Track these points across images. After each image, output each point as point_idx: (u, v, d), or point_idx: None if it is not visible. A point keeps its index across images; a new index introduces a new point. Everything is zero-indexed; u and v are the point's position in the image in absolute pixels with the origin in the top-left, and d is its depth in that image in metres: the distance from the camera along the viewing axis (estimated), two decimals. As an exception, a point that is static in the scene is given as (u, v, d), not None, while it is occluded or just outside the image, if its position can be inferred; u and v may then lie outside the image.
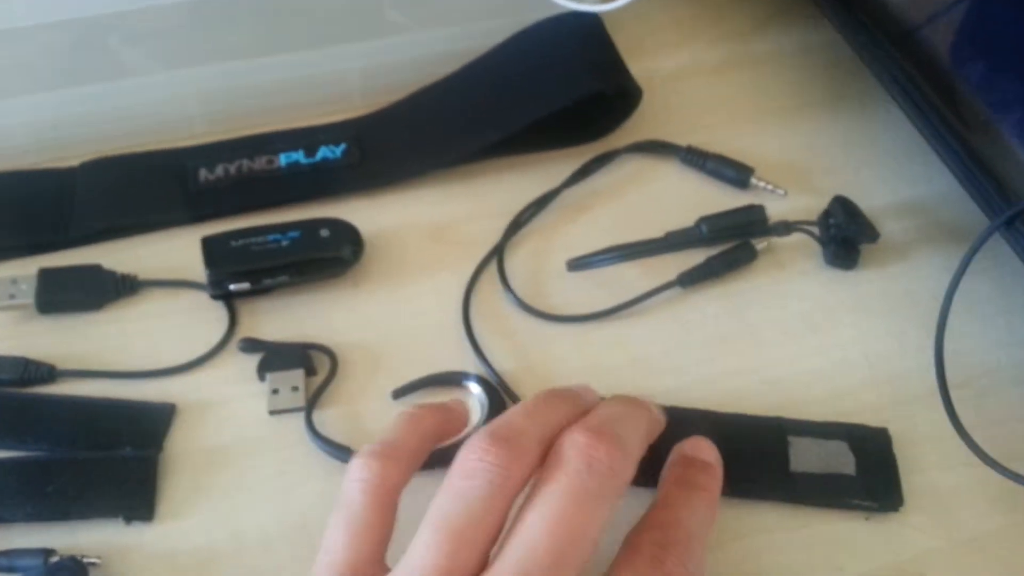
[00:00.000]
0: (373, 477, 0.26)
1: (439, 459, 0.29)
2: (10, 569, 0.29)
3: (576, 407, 0.28)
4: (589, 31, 0.41)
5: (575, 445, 0.25)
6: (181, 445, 0.33)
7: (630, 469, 0.26)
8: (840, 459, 0.32)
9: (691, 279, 0.37)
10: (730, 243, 0.38)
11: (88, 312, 0.36)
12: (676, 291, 0.37)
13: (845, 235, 0.38)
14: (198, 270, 0.37)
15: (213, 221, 0.39)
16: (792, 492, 0.32)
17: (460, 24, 0.43)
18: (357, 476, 0.26)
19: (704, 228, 0.38)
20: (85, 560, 0.29)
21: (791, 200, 0.40)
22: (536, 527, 0.23)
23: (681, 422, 0.32)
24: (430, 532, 0.24)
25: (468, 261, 0.38)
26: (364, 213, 0.39)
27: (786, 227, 0.38)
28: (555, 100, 0.39)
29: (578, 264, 0.37)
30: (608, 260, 0.37)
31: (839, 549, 0.31)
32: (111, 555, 0.30)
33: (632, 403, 0.29)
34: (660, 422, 0.30)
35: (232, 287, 0.35)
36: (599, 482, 0.24)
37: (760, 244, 0.38)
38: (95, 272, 0.37)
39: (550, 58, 0.41)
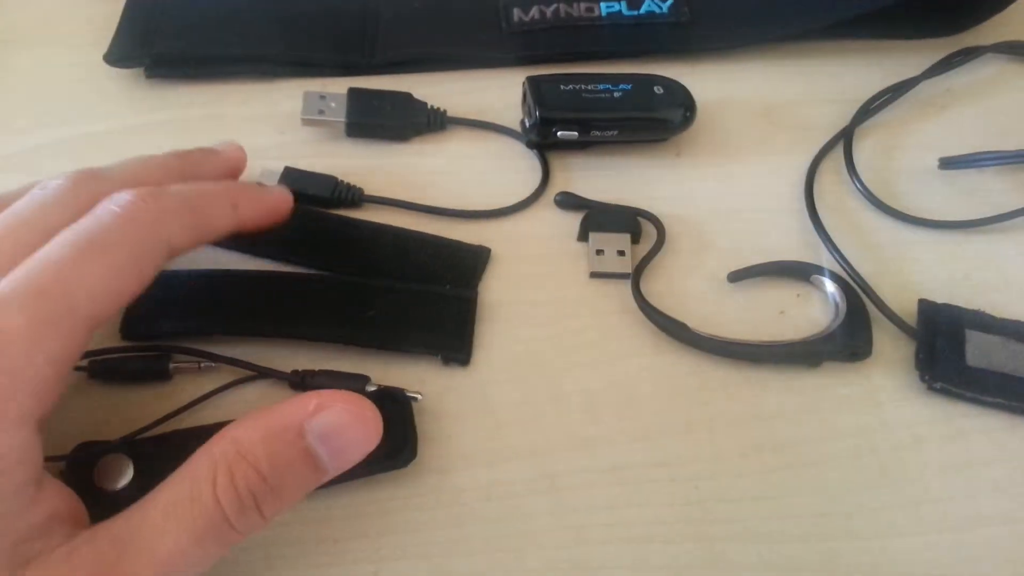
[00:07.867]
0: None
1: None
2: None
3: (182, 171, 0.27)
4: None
5: (113, 196, 0.23)
6: (496, 294, 0.30)
7: (164, 222, 0.24)
8: None
9: (1080, 201, 0.31)
10: (1125, 167, 0.32)
11: (395, 142, 0.34)
12: (1058, 212, 0.32)
13: None
14: (507, 115, 0.34)
15: (524, 66, 0.35)
16: None
17: None
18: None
19: (1102, 144, 0.32)
20: (408, 394, 0.27)
21: None
22: (44, 251, 0.22)
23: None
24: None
25: (805, 146, 0.34)
26: (686, 80, 0.34)
27: None
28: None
29: (952, 162, 0.32)
30: (988, 161, 0.32)
31: None
32: (427, 394, 0.27)
33: (220, 186, 0.27)
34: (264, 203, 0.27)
35: (560, 134, 0.32)
36: (113, 226, 0.22)
37: None
38: (405, 100, 0.34)
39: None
